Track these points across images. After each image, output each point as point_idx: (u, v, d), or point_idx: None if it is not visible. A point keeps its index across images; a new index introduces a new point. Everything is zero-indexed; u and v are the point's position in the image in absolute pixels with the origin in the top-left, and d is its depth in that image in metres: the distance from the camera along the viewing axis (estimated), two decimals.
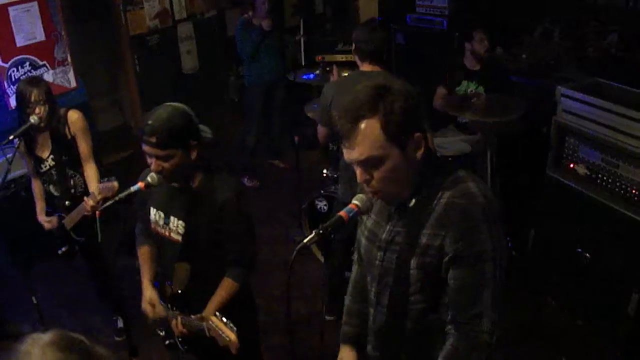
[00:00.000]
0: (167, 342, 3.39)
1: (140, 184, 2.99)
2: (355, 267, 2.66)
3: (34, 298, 4.27)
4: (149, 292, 3.33)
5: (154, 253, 3.41)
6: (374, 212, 2.33)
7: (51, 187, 4.40)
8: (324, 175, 5.67)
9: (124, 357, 4.42)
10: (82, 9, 6.47)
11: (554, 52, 6.58)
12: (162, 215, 3.21)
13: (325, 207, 5.27)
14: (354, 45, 4.39)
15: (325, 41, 7.95)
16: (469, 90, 5.47)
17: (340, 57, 7.66)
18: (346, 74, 4.58)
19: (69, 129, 4.29)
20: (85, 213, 4.02)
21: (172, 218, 3.17)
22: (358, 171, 2.13)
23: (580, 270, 4.54)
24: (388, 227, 2.26)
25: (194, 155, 2.99)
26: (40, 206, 4.53)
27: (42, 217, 4.51)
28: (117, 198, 3.00)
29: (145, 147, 2.92)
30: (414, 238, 2.14)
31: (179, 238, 3.16)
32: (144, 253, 3.45)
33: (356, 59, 4.43)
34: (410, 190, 2.17)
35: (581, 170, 4.58)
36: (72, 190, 4.39)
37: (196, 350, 3.36)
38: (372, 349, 2.48)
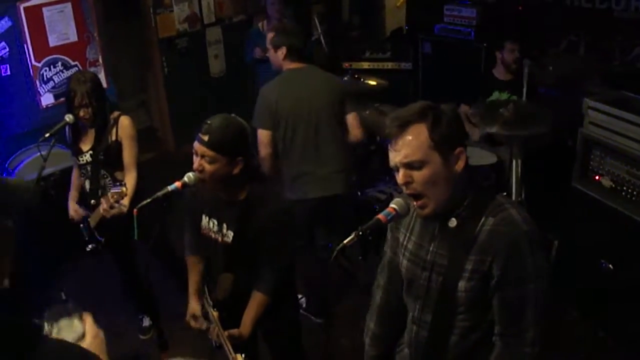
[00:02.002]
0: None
1: (177, 184, 3.04)
2: (380, 294, 2.75)
3: (62, 294, 4.32)
4: (193, 305, 3.45)
5: (202, 265, 3.50)
6: (414, 234, 2.44)
7: (85, 182, 4.47)
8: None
9: (152, 353, 4.53)
10: (114, 11, 6.56)
11: (579, 65, 6.58)
12: (215, 222, 3.29)
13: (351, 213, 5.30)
14: (276, 48, 4.55)
15: (352, 48, 8.00)
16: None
17: (367, 65, 7.74)
18: (283, 75, 4.62)
19: (117, 132, 4.34)
20: (103, 213, 4.06)
21: (224, 226, 3.25)
22: (400, 173, 2.24)
23: (603, 282, 4.56)
24: (431, 248, 2.36)
25: (236, 170, 3.06)
26: (73, 194, 4.62)
27: (72, 204, 4.59)
28: (154, 197, 3.05)
29: (196, 144, 3.03)
30: (460, 262, 2.26)
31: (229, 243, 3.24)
32: (192, 263, 3.54)
33: (281, 60, 4.57)
34: (449, 204, 2.27)
35: (606, 182, 4.59)
36: (100, 191, 4.44)
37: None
38: None
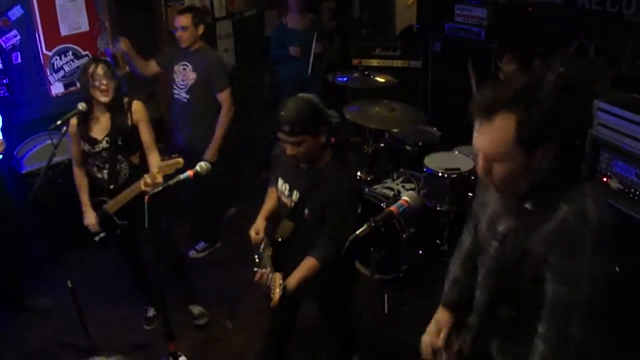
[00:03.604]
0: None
1: (189, 172, 3.08)
2: (469, 237, 2.72)
3: (69, 282, 4.33)
4: (259, 222, 3.70)
5: (277, 198, 3.70)
6: (495, 201, 2.38)
7: (96, 170, 4.47)
8: (358, 177, 5.72)
9: (157, 343, 4.54)
10: (125, 2, 6.55)
11: (588, 68, 6.58)
12: (288, 187, 3.49)
13: (359, 210, 5.28)
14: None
15: (362, 46, 8.01)
16: None
17: (376, 62, 7.74)
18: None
19: (131, 117, 4.39)
20: (143, 189, 4.07)
21: (294, 192, 3.46)
22: (480, 161, 2.16)
23: (610, 284, 4.55)
24: (506, 221, 2.31)
25: (322, 139, 3.29)
26: (85, 200, 4.55)
27: (90, 214, 4.52)
28: (166, 184, 3.08)
29: (280, 134, 3.24)
30: (527, 241, 2.20)
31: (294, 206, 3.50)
32: (271, 192, 3.80)
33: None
34: (527, 189, 2.19)
35: (614, 184, 4.60)
36: (117, 177, 4.47)
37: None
38: (472, 320, 2.60)
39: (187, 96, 5.46)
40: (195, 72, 5.41)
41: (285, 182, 3.52)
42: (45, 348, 4.73)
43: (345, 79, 6.29)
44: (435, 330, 2.72)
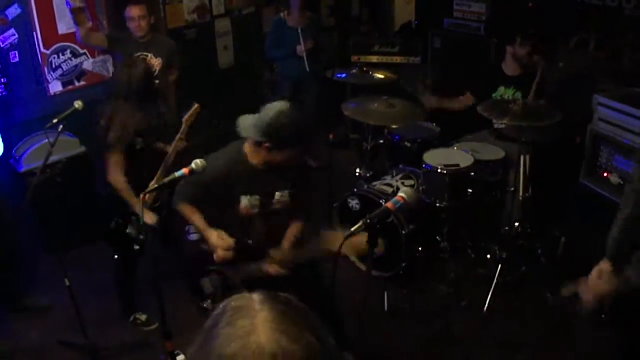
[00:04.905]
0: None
1: (184, 170, 3.07)
2: (633, 200, 3.13)
3: (66, 280, 4.31)
4: (213, 235, 3.64)
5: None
6: None
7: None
8: (357, 174, 5.69)
9: (155, 343, 4.52)
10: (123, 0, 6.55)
11: (589, 62, 6.56)
12: (258, 197, 3.69)
13: (357, 206, 5.25)
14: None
15: (361, 42, 7.99)
16: (506, 97, 5.47)
17: (375, 59, 7.72)
18: None
19: None
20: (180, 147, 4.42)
21: (276, 194, 3.74)
22: None
23: None
24: None
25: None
26: (135, 201, 4.39)
27: (147, 211, 4.26)
28: (161, 183, 3.07)
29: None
30: None
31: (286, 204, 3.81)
32: (190, 209, 3.75)
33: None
34: None
35: (614, 179, 4.58)
36: None
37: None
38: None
39: (156, 82, 5.48)
40: (160, 57, 5.69)
41: (252, 194, 3.68)
42: (43, 346, 4.70)
43: (344, 75, 6.27)
44: (598, 274, 3.20)
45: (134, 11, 5.47)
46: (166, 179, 3.09)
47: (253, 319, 1.20)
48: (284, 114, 3.38)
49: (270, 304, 1.24)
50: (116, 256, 4.71)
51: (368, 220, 2.12)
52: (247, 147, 3.61)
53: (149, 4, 5.53)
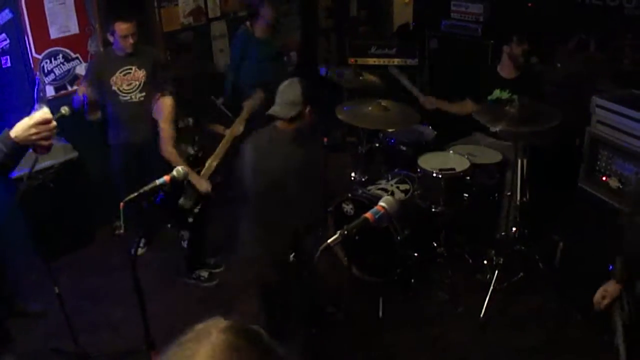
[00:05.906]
0: None
1: (166, 178, 3.02)
2: None
3: (56, 288, 4.28)
4: None
5: None
6: None
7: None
8: (352, 178, 5.61)
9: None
10: (117, 4, 6.49)
11: (588, 64, 6.49)
12: None
13: (351, 211, 5.17)
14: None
15: (358, 44, 7.92)
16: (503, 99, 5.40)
17: (372, 61, 7.65)
18: None
19: None
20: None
21: None
22: None
23: None
24: None
25: None
26: (195, 174, 5.03)
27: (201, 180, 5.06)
28: (141, 191, 3.01)
29: None
30: None
31: None
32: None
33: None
34: None
35: (613, 183, 4.51)
36: None
37: None
38: None
39: (143, 94, 5.56)
40: (144, 68, 5.58)
41: None
42: (34, 354, 4.66)
43: (323, 70, 6.29)
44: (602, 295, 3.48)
45: (124, 29, 5.35)
46: (148, 187, 3.04)
47: (199, 346, 1.20)
48: (296, 80, 3.92)
49: (227, 336, 1.23)
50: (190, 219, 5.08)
51: (345, 232, 2.04)
52: (281, 125, 3.98)
53: (143, 10, 5.43)
